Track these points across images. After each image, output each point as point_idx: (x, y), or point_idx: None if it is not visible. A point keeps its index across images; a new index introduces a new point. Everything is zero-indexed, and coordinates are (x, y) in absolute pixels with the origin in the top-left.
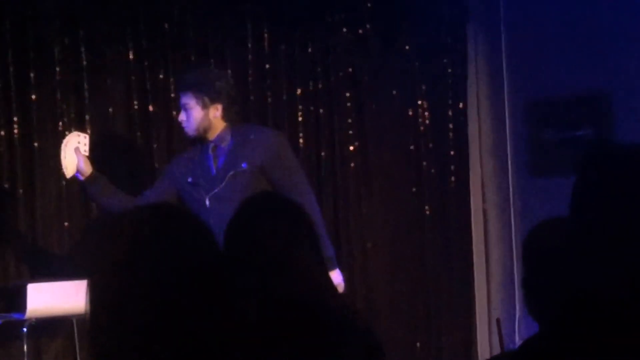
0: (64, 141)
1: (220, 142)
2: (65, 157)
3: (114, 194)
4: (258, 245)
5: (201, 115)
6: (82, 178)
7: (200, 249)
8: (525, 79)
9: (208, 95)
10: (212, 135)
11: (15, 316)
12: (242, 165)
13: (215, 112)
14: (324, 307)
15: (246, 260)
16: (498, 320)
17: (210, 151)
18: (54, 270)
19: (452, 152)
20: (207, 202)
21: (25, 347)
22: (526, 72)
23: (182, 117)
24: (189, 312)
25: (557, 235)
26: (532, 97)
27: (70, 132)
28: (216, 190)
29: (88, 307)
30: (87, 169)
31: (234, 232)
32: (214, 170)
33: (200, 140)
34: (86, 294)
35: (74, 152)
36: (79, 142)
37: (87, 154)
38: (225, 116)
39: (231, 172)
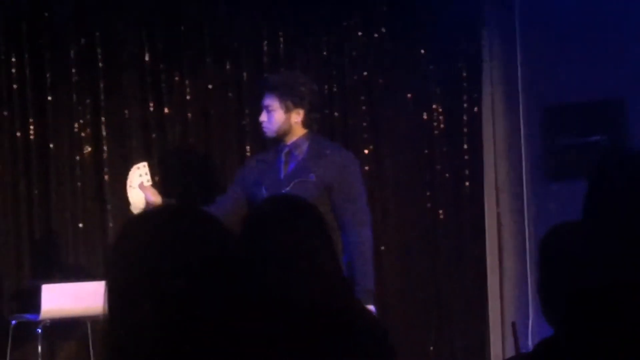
0: (128, 181)
1: (295, 149)
2: (132, 197)
3: None
4: (275, 244)
5: (283, 118)
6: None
7: (219, 250)
8: (540, 84)
9: (292, 99)
10: (289, 140)
11: (29, 317)
12: (310, 176)
13: (297, 117)
14: (338, 309)
15: (263, 259)
16: (514, 324)
17: (283, 155)
18: (69, 271)
19: (466, 157)
20: None
21: (39, 348)
22: (541, 77)
23: (263, 117)
24: (207, 313)
25: (571, 238)
26: (547, 102)
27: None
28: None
29: (105, 309)
30: (156, 199)
31: (252, 229)
32: (282, 175)
33: (276, 142)
34: (103, 296)
35: (139, 189)
36: (140, 176)
37: (150, 182)
38: (305, 122)
39: (298, 180)
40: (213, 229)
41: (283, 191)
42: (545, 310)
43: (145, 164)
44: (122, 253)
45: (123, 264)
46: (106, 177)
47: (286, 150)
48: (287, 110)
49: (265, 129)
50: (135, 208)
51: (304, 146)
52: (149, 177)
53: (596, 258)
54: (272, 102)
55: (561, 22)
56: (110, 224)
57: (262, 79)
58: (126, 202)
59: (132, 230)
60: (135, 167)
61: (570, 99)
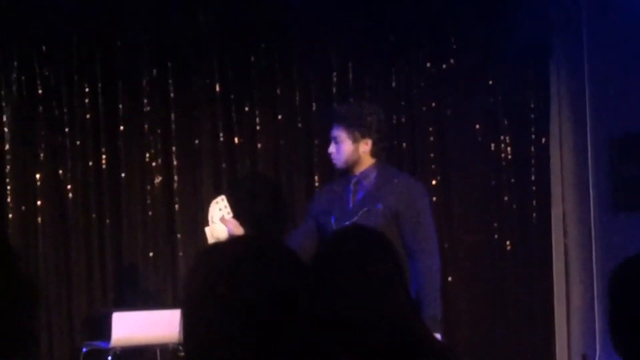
0: (209, 217)
1: (363, 178)
2: (215, 231)
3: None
4: (346, 274)
5: (351, 149)
6: None
7: (294, 281)
8: (608, 114)
9: (359, 130)
10: (358, 170)
11: (100, 344)
12: (377, 205)
13: (365, 147)
14: (408, 338)
15: (334, 289)
16: (584, 357)
17: (352, 185)
18: (139, 299)
19: (533, 187)
20: None
21: None
22: (609, 107)
23: (332, 149)
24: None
25: None
26: (615, 133)
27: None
28: (347, 223)
29: (181, 337)
30: (238, 231)
31: (323, 259)
32: (351, 205)
33: (345, 172)
34: (179, 323)
35: (221, 222)
36: (220, 209)
37: (231, 214)
38: (373, 152)
39: (365, 209)
40: (288, 260)
41: (350, 220)
42: (616, 342)
43: (223, 197)
44: (200, 282)
45: (200, 292)
46: (176, 206)
47: (355, 180)
48: (355, 141)
49: (334, 160)
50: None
51: (372, 175)
52: (229, 209)
53: None
54: (340, 134)
55: (628, 52)
56: (180, 253)
57: (329, 110)
58: (196, 231)
59: (210, 259)
60: (214, 202)
61: (638, 129)
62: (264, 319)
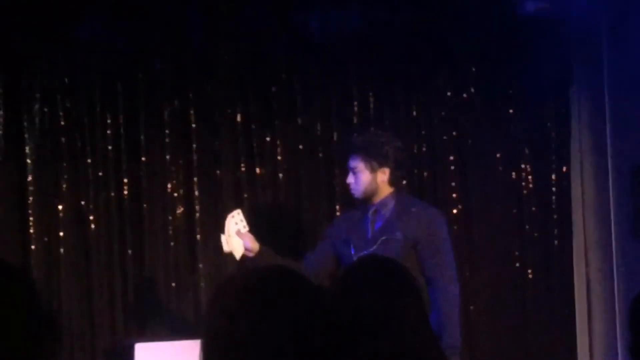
0: (225, 231)
1: (382, 208)
2: (231, 245)
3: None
4: (363, 305)
5: (369, 179)
6: (251, 254)
7: (315, 310)
8: (630, 142)
9: (376, 159)
10: (376, 199)
11: None
12: (396, 234)
13: (383, 176)
14: None
15: (352, 318)
16: None
17: (370, 214)
18: (162, 330)
19: (555, 216)
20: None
21: None
22: (630, 136)
23: (350, 179)
24: None
25: None
26: (636, 161)
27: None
28: (366, 252)
29: None
30: (254, 245)
31: (342, 290)
32: (370, 234)
33: (363, 201)
34: (200, 355)
35: (237, 236)
36: (236, 223)
37: (247, 229)
38: (392, 180)
39: (384, 237)
40: (308, 290)
41: (369, 250)
42: None
43: (239, 211)
44: (221, 310)
45: (221, 320)
46: (198, 237)
47: (373, 209)
48: (373, 171)
49: (353, 191)
50: (236, 254)
51: (391, 204)
52: (244, 223)
53: None
54: (358, 164)
55: None
56: (202, 284)
57: (346, 140)
58: (218, 261)
59: (229, 290)
60: (229, 215)
61: None
62: (283, 350)
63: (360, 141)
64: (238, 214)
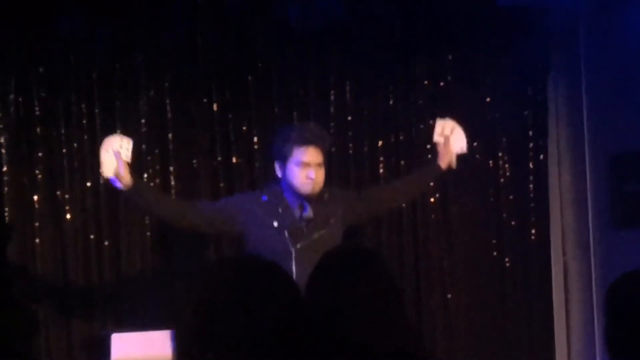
0: (104, 143)
1: (309, 199)
2: (105, 161)
3: (162, 202)
4: (339, 293)
5: (324, 172)
6: (120, 185)
7: (284, 298)
8: (606, 130)
9: (326, 152)
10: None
11: None
12: (330, 220)
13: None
14: (403, 354)
15: (327, 307)
16: None
17: (303, 201)
18: (138, 320)
19: (532, 204)
20: (293, 251)
21: None
22: (607, 124)
23: (313, 175)
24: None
25: (638, 288)
26: (613, 149)
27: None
28: (305, 242)
29: (174, 357)
30: (127, 177)
31: (316, 281)
32: (303, 222)
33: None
34: (172, 344)
35: (114, 155)
36: (121, 146)
37: (128, 160)
38: None
39: (322, 230)
40: (282, 281)
41: (309, 239)
42: (613, 356)
43: (130, 141)
44: (193, 301)
45: (194, 311)
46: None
47: (299, 202)
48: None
49: (312, 187)
50: (107, 172)
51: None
52: (129, 154)
53: None
54: (322, 158)
55: (626, 69)
56: (178, 274)
57: (303, 132)
58: (195, 252)
59: (205, 279)
60: (118, 135)
61: (637, 145)
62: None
63: (321, 132)
64: (128, 142)
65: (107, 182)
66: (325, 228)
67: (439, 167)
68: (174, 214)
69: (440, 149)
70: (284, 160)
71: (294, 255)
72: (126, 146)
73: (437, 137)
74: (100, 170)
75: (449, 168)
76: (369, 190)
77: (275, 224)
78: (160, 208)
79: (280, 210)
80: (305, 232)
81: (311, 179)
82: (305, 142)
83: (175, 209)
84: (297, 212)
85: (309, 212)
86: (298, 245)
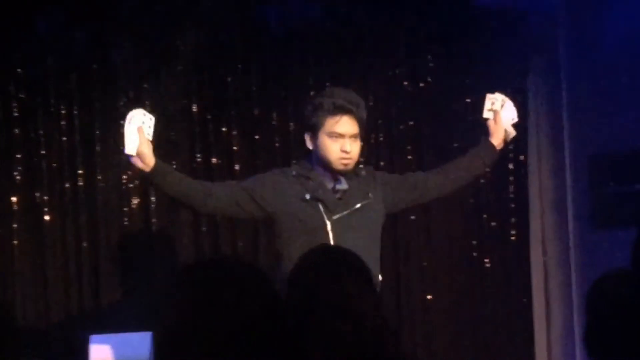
0: (128, 119)
1: (353, 172)
2: (127, 136)
3: (186, 183)
4: (319, 293)
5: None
6: (141, 164)
7: (263, 298)
8: (586, 132)
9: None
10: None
11: None
12: (369, 194)
13: None
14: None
15: (307, 307)
16: None
17: (336, 174)
18: (118, 322)
19: (512, 205)
20: (329, 224)
21: None
22: (587, 125)
23: (349, 147)
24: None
25: (619, 287)
26: (593, 151)
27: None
28: (342, 214)
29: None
30: (150, 155)
31: (295, 281)
32: (338, 193)
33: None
34: (151, 346)
35: (137, 131)
36: (143, 122)
37: (150, 137)
38: None
39: (360, 202)
40: (262, 282)
41: (346, 212)
42: (592, 355)
43: (152, 117)
44: (173, 302)
45: (173, 312)
46: (154, 228)
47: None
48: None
49: (348, 163)
50: (130, 150)
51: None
52: (151, 131)
53: None
54: (357, 129)
55: (607, 70)
56: (157, 275)
57: (336, 99)
58: (174, 253)
59: (184, 280)
60: (142, 111)
61: (617, 147)
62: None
63: (357, 100)
64: (151, 119)
65: (127, 160)
66: (363, 201)
67: (492, 144)
68: (199, 197)
69: (491, 125)
70: (314, 131)
71: (330, 227)
72: (149, 123)
73: (486, 113)
74: (122, 147)
75: (505, 143)
76: (415, 176)
77: (308, 196)
78: (184, 191)
79: (311, 182)
80: (341, 204)
81: (346, 152)
82: (339, 110)
83: (200, 190)
84: (330, 184)
85: (343, 184)
86: (334, 217)
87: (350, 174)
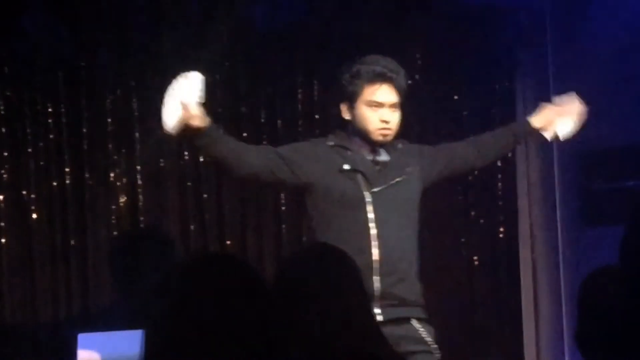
0: (170, 89)
1: (390, 145)
2: (167, 110)
3: (227, 148)
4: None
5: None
6: (195, 123)
7: (252, 297)
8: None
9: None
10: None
11: None
12: (407, 169)
13: None
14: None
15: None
16: None
17: (374, 145)
18: (106, 320)
19: (500, 202)
20: (369, 195)
21: None
22: None
23: (389, 116)
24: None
25: (609, 285)
26: (582, 147)
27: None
28: (382, 186)
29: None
30: (202, 118)
31: (281, 277)
32: (378, 165)
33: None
34: (140, 344)
35: (184, 106)
36: (191, 89)
37: (202, 100)
38: None
39: (400, 177)
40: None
41: (386, 184)
42: (583, 356)
43: (202, 78)
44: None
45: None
46: (142, 226)
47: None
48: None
49: (388, 135)
50: (168, 123)
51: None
52: (202, 94)
53: (633, 305)
54: (397, 98)
55: (595, 66)
56: (146, 273)
57: (375, 66)
58: (161, 251)
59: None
60: (185, 76)
61: (606, 143)
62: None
63: (397, 68)
64: (201, 81)
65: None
66: (403, 175)
67: (528, 121)
68: (236, 163)
69: (548, 110)
70: (351, 100)
71: (370, 200)
72: (200, 87)
73: (557, 103)
74: (162, 123)
75: (541, 137)
76: (448, 146)
77: (346, 166)
78: (224, 154)
79: (349, 152)
80: (381, 176)
81: (385, 122)
82: (378, 78)
83: (236, 157)
84: (369, 156)
85: (383, 155)
86: (374, 190)
87: (389, 147)
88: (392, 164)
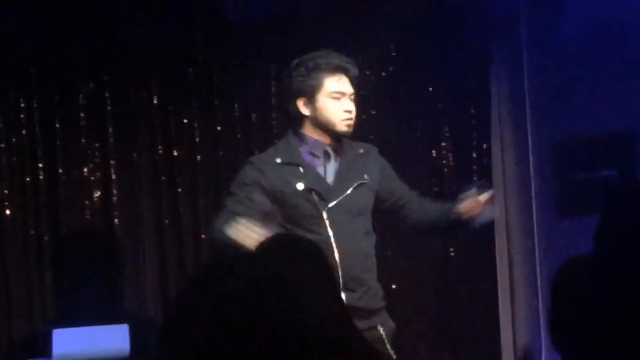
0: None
1: (336, 148)
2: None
3: None
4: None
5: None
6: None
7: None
8: (550, 119)
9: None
10: (327, 139)
11: None
12: (364, 176)
13: None
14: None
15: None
16: None
17: (323, 155)
18: (81, 315)
19: None
20: (325, 213)
21: None
22: (550, 112)
23: (352, 106)
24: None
25: (582, 274)
26: (557, 138)
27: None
28: (337, 199)
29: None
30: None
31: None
32: (331, 176)
33: (303, 141)
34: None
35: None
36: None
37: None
38: None
39: (356, 183)
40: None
41: (340, 197)
42: (557, 346)
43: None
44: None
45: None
46: (116, 220)
47: (327, 149)
48: None
49: (350, 125)
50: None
51: (343, 143)
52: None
53: (606, 294)
54: (353, 89)
55: (570, 57)
56: (119, 268)
57: (332, 58)
58: (135, 245)
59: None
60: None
61: (581, 134)
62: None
63: (351, 60)
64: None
65: None
66: (358, 181)
67: (457, 211)
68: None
69: (471, 198)
70: (311, 94)
71: (326, 216)
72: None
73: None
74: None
75: (468, 221)
76: (404, 186)
77: (300, 186)
78: None
79: (301, 169)
80: (335, 189)
81: (349, 111)
82: (338, 69)
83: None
84: (320, 168)
85: (333, 163)
86: (330, 205)
87: (347, 150)
88: (346, 171)
